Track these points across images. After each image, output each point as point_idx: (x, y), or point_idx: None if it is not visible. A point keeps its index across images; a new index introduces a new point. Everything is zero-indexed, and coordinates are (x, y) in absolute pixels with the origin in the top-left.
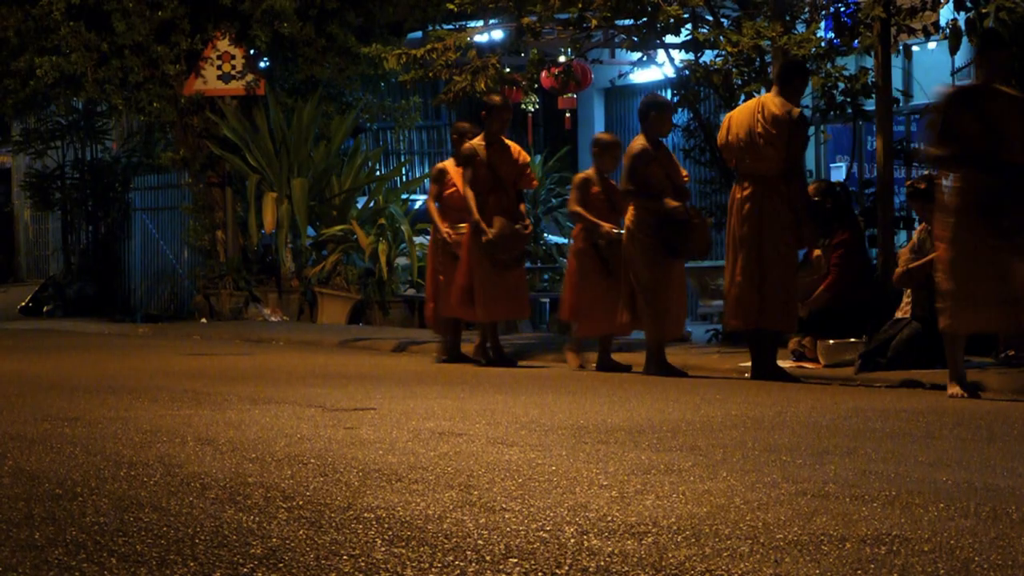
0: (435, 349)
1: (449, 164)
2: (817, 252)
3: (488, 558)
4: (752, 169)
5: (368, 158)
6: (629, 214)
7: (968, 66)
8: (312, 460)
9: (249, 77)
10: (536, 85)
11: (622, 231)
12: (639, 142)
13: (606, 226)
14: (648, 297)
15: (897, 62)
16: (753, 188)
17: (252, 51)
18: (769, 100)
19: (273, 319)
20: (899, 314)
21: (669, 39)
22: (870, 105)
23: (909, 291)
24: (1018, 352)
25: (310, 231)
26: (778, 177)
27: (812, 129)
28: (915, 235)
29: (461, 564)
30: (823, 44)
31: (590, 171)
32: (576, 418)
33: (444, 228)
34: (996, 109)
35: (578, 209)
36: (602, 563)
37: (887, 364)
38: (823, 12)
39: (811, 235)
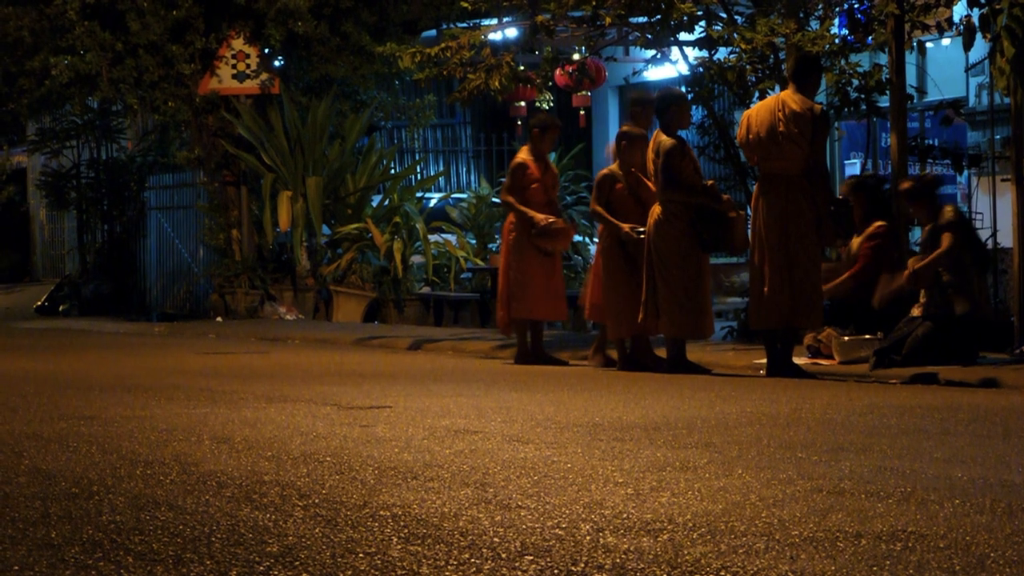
0: (460, 349)
1: (528, 157)
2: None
3: (504, 556)
4: (775, 168)
5: (383, 156)
6: (657, 209)
7: (982, 62)
8: (328, 458)
9: (264, 76)
10: (550, 83)
11: (643, 231)
12: (666, 137)
13: (626, 227)
14: (680, 295)
15: (911, 58)
16: (775, 188)
17: (267, 50)
18: (788, 97)
19: (288, 317)
20: (915, 311)
21: (683, 36)
22: (884, 102)
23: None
24: None
25: (325, 229)
26: (801, 175)
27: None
28: (923, 233)
29: (477, 562)
30: (837, 41)
31: (613, 167)
32: (591, 415)
33: (539, 216)
34: None
35: (598, 209)
36: (618, 560)
37: (902, 361)
38: (837, 9)
39: (831, 234)
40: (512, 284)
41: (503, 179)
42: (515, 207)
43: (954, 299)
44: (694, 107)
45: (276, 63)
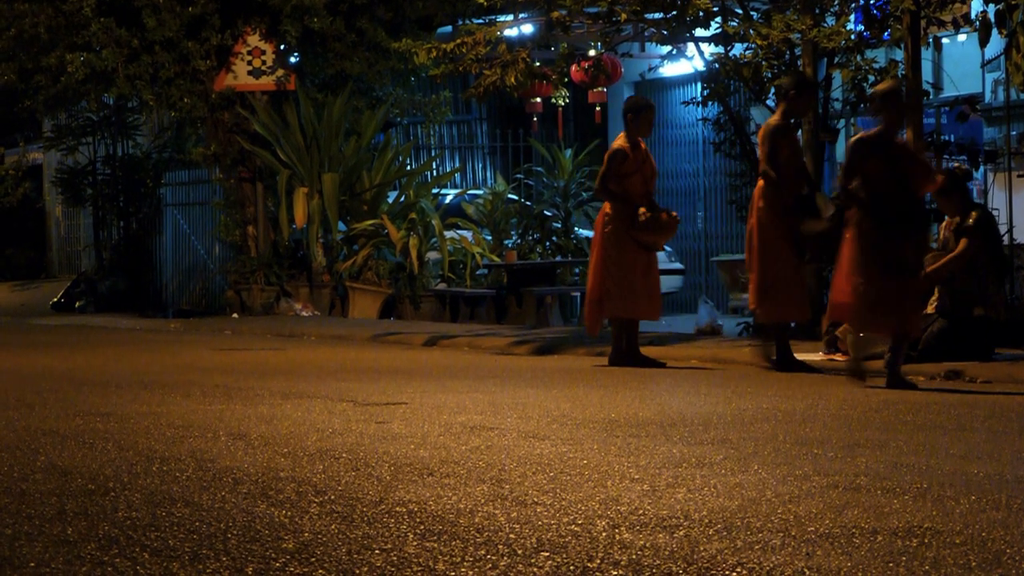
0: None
1: (625, 144)
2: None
3: (520, 552)
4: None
5: (398, 153)
6: (760, 183)
7: (998, 58)
8: (344, 454)
9: (279, 72)
10: (566, 79)
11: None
12: (774, 118)
13: (641, 210)
14: (771, 279)
15: (927, 54)
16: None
17: (282, 46)
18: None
19: (304, 314)
20: (929, 309)
21: (699, 32)
22: None
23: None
24: None
25: (341, 226)
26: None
27: (841, 122)
28: (941, 232)
29: (493, 558)
30: (853, 37)
31: (622, 141)
32: (607, 412)
33: (642, 209)
34: None
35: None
36: (634, 556)
37: (918, 357)
38: (853, 5)
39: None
40: (609, 281)
41: (517, 175)
42: (617, 198)
43: (966, 301)
44: (709, 103)
45: (292, 59)
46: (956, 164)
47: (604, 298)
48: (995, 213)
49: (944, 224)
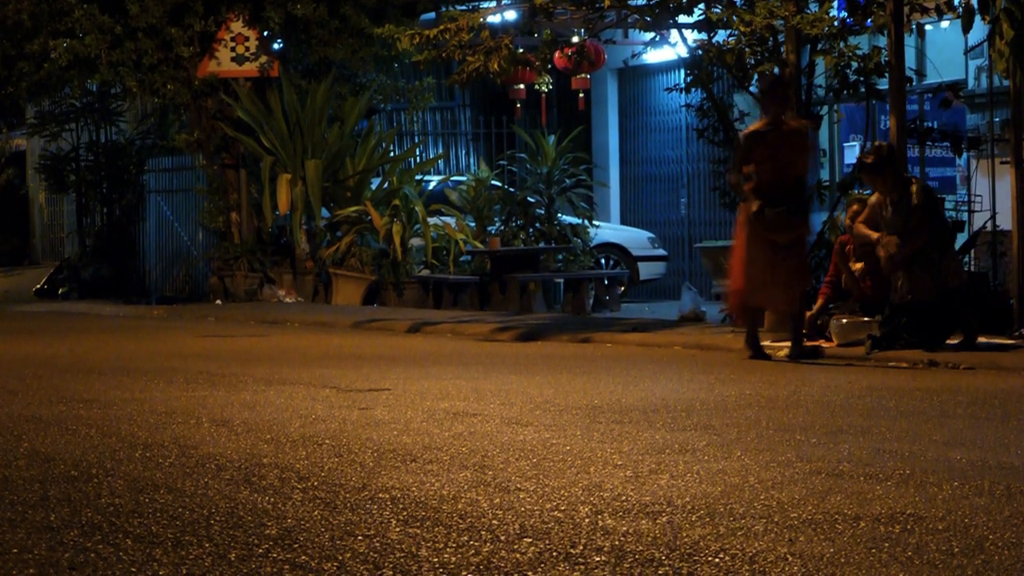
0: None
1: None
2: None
3: (503, 538)
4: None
5: (382, 139)
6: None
7: (981, 44)
8: (327, 441)
9: (263, 59)
10: (549, 65)
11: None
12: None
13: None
14: None
15: (910, 41)
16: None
17: (266, 33)
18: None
19: (288, 300)
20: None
21: (682, 19)
22: (883, 84)
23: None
24: None
25: (324, 212)
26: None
27: (824, 109)
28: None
29: (476, 544)
30: (836, 23)
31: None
32: (590, 398)
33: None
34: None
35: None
36: (617, 542)
37: (900, 344)
38: None
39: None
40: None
41: (501, 162)
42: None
43: (924, 288)
44: (692, 90)
45: (275, 46)
46: (880, 143)
47: (798, 286)
48: (978, 200)
49: (873, 200)
